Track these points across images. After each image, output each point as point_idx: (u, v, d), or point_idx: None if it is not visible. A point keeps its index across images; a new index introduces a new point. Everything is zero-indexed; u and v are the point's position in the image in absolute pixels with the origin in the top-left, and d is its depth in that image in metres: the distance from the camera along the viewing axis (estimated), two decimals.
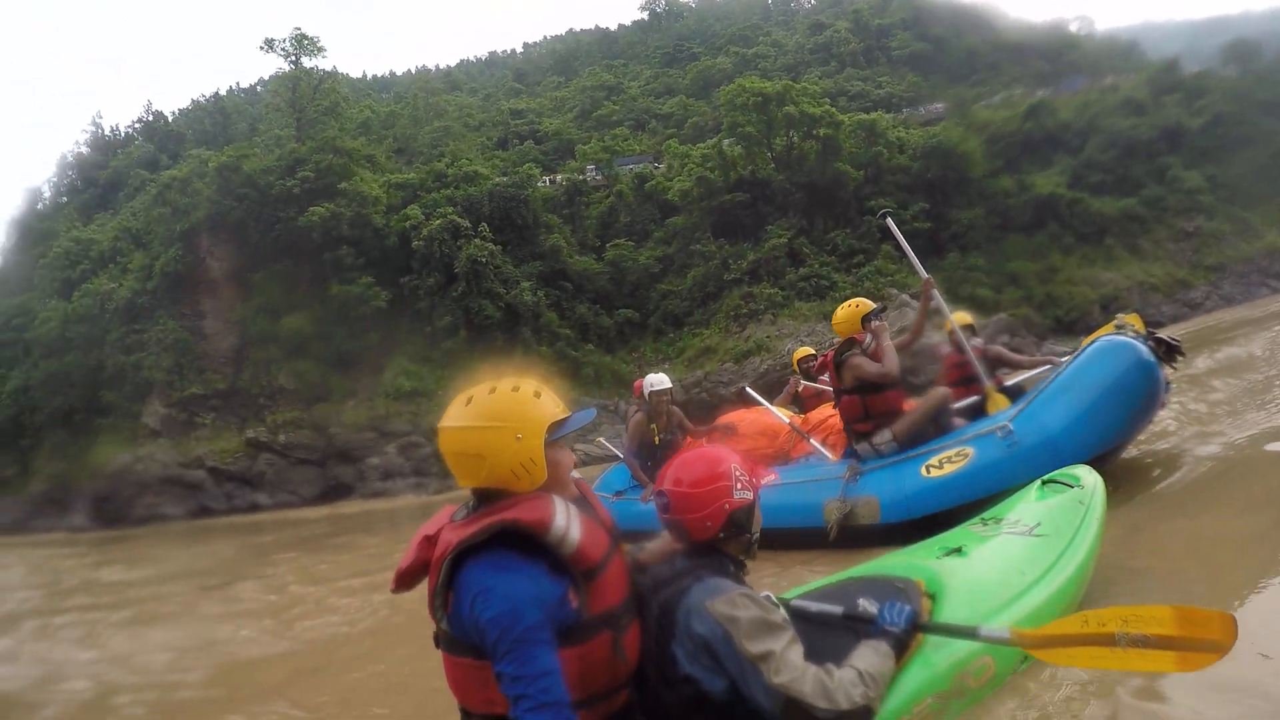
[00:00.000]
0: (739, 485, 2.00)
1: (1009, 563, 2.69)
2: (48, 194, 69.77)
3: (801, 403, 7.71)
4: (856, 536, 4.63)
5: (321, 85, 43.16)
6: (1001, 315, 33.62)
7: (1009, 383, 6.41)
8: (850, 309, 5.44)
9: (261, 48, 42.62)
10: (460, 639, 1.71)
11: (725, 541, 2.02)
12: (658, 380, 6.85)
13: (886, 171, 39.85)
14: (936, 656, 2.11)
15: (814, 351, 8.08)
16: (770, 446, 6.42)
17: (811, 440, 6.09)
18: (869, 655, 1.98)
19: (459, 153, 47.31)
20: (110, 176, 60.83)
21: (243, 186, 39.37)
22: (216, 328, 39.24)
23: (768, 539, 4.57)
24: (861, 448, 5.15)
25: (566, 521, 1.72)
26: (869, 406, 5.12)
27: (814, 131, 39.08)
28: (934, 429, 5.06)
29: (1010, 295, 36.78)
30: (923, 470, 4.69)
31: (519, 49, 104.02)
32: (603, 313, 39.07)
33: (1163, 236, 40.73)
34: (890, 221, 6.15)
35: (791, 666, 1.77)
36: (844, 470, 5.05)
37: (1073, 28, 64.00)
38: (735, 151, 40.22)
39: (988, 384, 5.89)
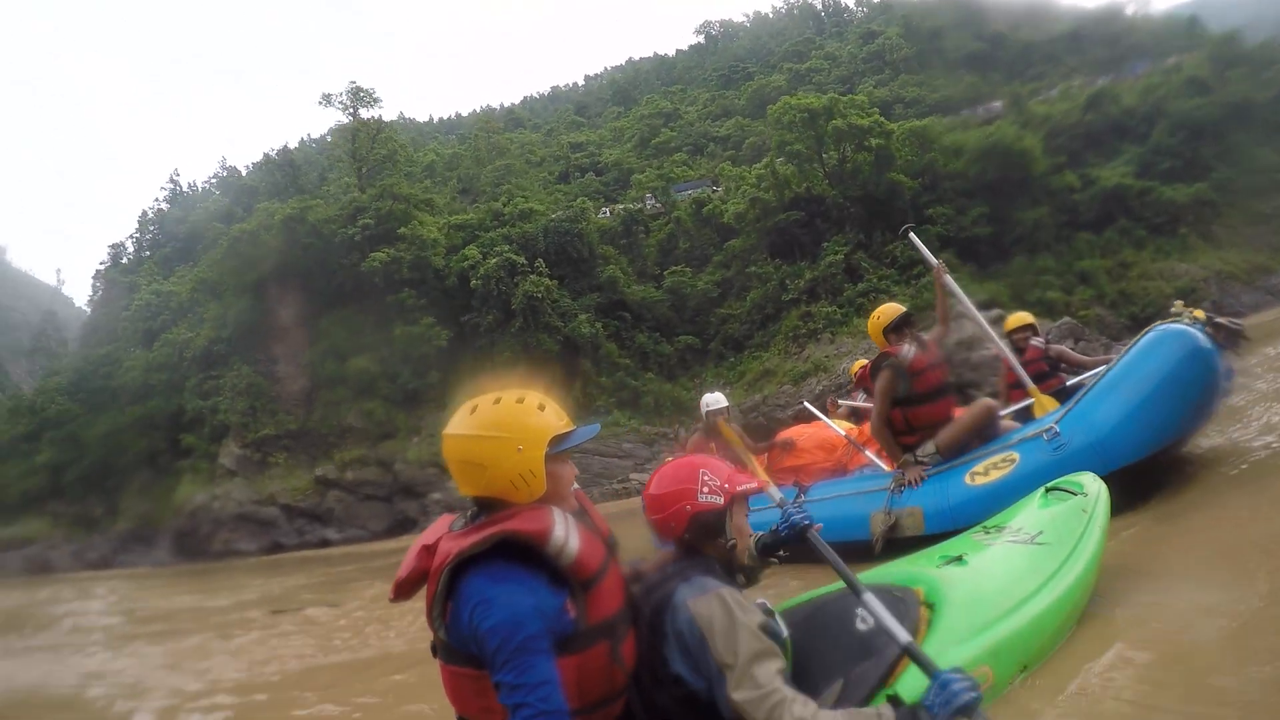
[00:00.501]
0: (705, 490, 2.02)
1: (1010, 571, 2.68)
2: (131, 249, 73.98)
3: (860, 415, 7.59)
4: (902, 548, 4.31)
5: (379, 135, 44.29)
6: (1066, 319, 32.05)
7: (1071, 382, 6.22)
8: (873, 321, 5.29)
9: (320, 102, 44.12)
10: (458, 648, 1.73)
11: (699, 544, 2.04)
12: (714, 400, 6.83)
13: (943, 178, 38.51)
14: (943, 653, 2.09)
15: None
16: (829, 459, 6.44)
17: (867, 452, 6.05)
18: None
19: (520, 189, 47.85)
20: (188, 230, 63.59)
21: (308, 236, 40.84)
22: (288, 371, 40.69)
23: (807, 553, 4.49)
24: (908, 459, 4.99)
25: (565, 533, 1.75)
26: (910, 419, 4.97)
27: (865, 143, 38.21)
28: (979, 440, 4.85)
29: (1082, 295, 35.09)
30: (967, 478, 4.56)
31: (580, 81, 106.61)
32: (663, 340, 38.95)
33: (1238, 221, 38.10)
34: (913, 236, 6.18)
35: (753, 684, 1.72)
36: (889, 481, 4.96)
37: (1128, 10, 60.86)
38: (787, 170, 39.62)
39: (1030, 385, 5.71)
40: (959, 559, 2.74)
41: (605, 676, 1.79)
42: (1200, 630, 2.57)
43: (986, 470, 4.48)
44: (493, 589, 1.67)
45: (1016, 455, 4.45)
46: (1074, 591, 2.65)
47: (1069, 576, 2.66)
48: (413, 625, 7.20)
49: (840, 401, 7.97)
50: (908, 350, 4.93)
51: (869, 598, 1.99)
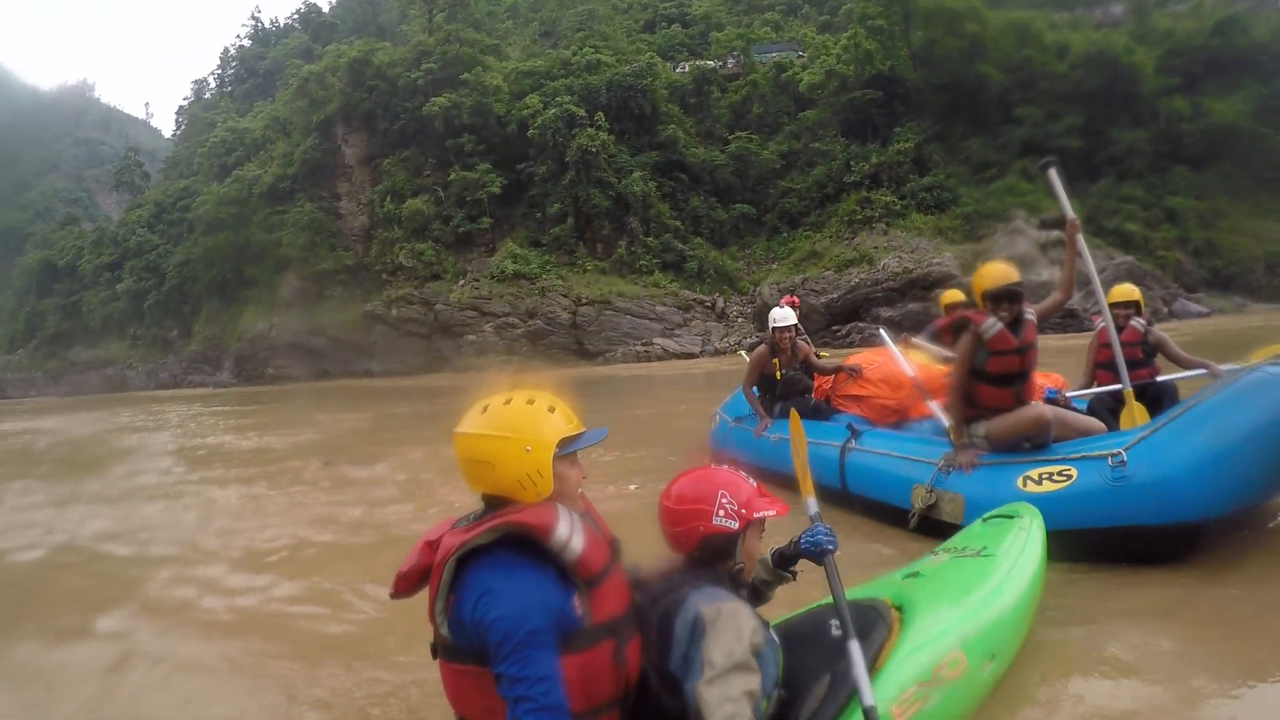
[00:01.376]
0: (721, 513, 1.98)
1: (964, 578, 2.86)
2: (213, 85, 75.10)
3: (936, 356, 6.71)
4: (936, 530, 4.28)
5: None
6: (1127, 259, 28.34)
7: (1163, 378, 5.65)
8: (977, 276, 4.61)
9: None
10: (459, 644, 1.71)
11: (707, 562, 2.00)
12: (781, 316, 6.46)
13: (1040, 77, 34.20)
14: (915, 654, 2.27)
15: (965, 300, 6.64)
16: (893, 398, 6.07)
17: (931, 403, 5.57)
18: None
19: (601, 36, 45.30)
20: (268, 67, 63.77)
21: (373, 79, 39.92)
22: (349, 209, 41.02)
23: (859, 505, 4.96)
24: (965, 441, 4.62)
25: (569, 529, 1.75)
26: (971, 394, 4.53)
27: (957, 28, 34.54)
28: (1029, 444, 4.43)
29: (1164, 234, 31.31)
30: (1019, 481, 4.17)
31: None
32: (718, 206, 37.13)
33: None
34: (1054, 173, 5.02)
35: (724, 686, 1.72)
36: (940, 458, 4.63)
37: None
38: (870, 45, 36.04)
39: (1128, 386, 5.08)
40: (916, 574, 2.94)
41: (609, 677, 1.78)
42: None
43: (1040, 479, 4.14)
44: (499, 580, 1.67)
45: (1074, 472, 4.04)
46: (1026, 593, 2.85)
47: (1019, 578, 2.87)
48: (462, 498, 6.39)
49: (915, 340, 7.07)
50: (990, 324, 4.39)
51: (853, 644, 2.02)
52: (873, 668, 2.12)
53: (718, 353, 31.01)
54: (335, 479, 8.76)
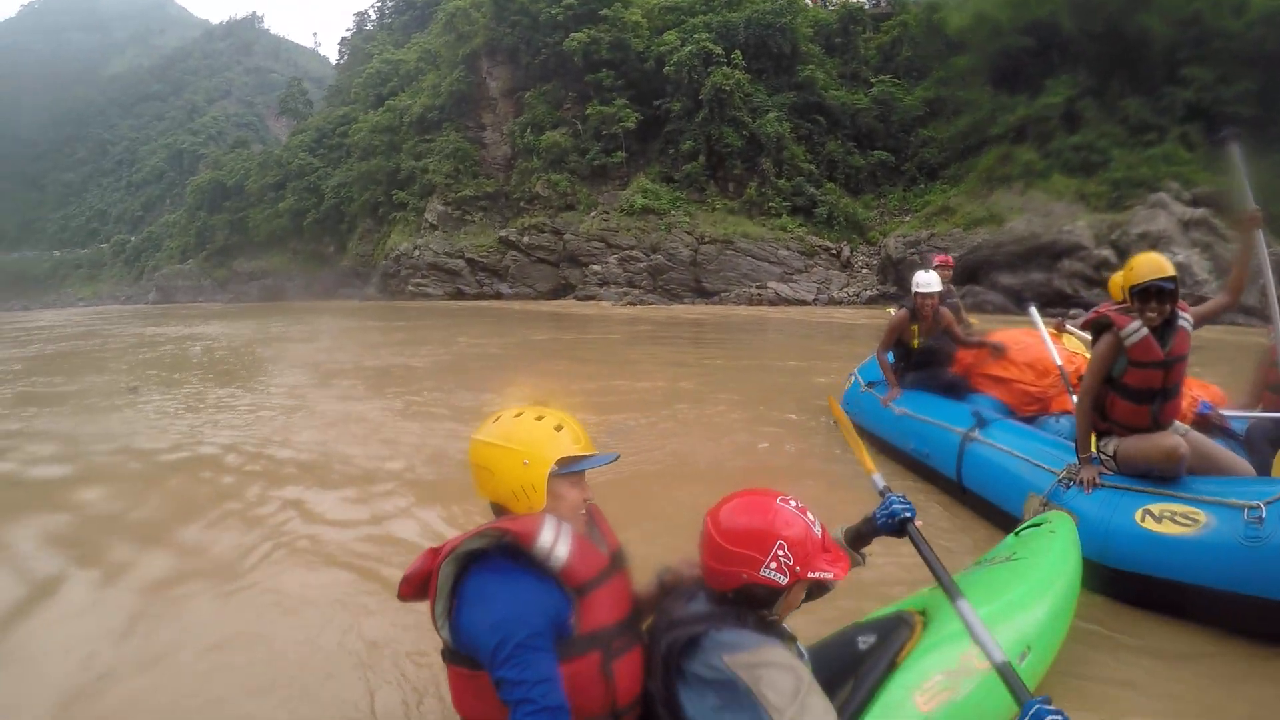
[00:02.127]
0: (773, 565, 1.78)
1: (991, 581, 2.82)
2: (374, 17, 78.67)
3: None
4: None
5: None
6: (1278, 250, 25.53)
7: None
8: (1126, 269, 3.94)
9: None
10: (459, 649, 1.73)
11: (740, 604, 1.85)
12: (925, 281, 6.03)
13: (1214, 34, 30.13)
14: (939, 646, 2.23)
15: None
16: (1037, 384, 5.61)
17: (1075, 398, 4.82)
18: None
19: None
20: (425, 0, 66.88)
21: (516, 14, 41.20)
22: (493, 139, 43.11)
23: (972, 503, 4.72)
24: (1089, 456, 4.10)
25: (554, 538, 1.75)
26: (1104, 404, 4.02)
27: None
28: (1158, 474, 3.88)
29: None
30: (1138, 514, 3.69)
31: None
32: (855, 151, 36.36)
33: None
34: (1236, 150, 4.31)
35: (803, 713, 1.64)
36: (1064, 468, 4.16)
37: None
38: None
39: None
40: None
41: (596, 690, 1.77)
42: None
43: (1161, 516, 3.64)
44: (496, 585, 1.71)
45: (1203, 517, 3.48)
46: (1058, 587, 2.80)
47: (1049, 575, 2.84)
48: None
49: (1069, 326, 6.43)
50: (1134, 329, 3.81)
51: (963, 603, 1.98)
52: (893, 665, 2.12)
53: (833, 301, 30.69)
54: (464, 406, 8.98)
